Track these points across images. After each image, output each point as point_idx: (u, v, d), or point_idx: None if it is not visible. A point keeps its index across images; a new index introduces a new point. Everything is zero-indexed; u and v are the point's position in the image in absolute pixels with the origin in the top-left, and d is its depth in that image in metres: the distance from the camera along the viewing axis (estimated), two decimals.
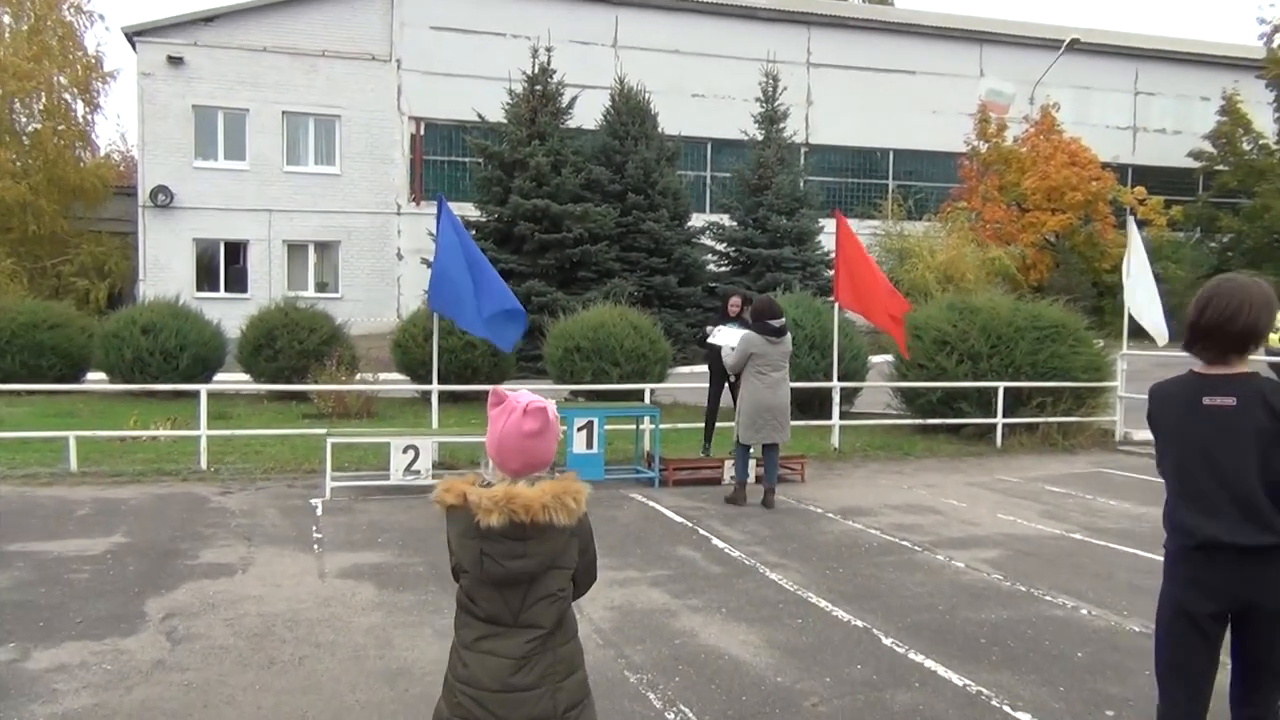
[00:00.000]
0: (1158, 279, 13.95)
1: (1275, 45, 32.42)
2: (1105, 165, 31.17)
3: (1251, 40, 34.14)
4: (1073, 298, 17.18)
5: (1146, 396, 3.30)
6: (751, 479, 9.63)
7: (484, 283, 10.29)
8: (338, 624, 5.78)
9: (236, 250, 28.14)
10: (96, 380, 16.90)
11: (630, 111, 24.73)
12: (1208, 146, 33.88)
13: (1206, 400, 3.06)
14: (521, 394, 2.70)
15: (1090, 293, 28.10)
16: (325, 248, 28.82)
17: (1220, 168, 34.07)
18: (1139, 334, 13.47)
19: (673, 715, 4.55)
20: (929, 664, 5.19)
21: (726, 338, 10.08)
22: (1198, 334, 3.11)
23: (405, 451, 9.60)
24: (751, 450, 9.57)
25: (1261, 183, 32.39)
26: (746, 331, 9.55)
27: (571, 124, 24.08)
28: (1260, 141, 33.14)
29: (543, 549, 2.61)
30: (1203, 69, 36.37)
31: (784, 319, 9.61)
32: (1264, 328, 3.08)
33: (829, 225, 24.87)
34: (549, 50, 23.52)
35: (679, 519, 8.75)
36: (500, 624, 2.64)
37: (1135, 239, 13.14)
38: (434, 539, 7.73)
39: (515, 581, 2.61)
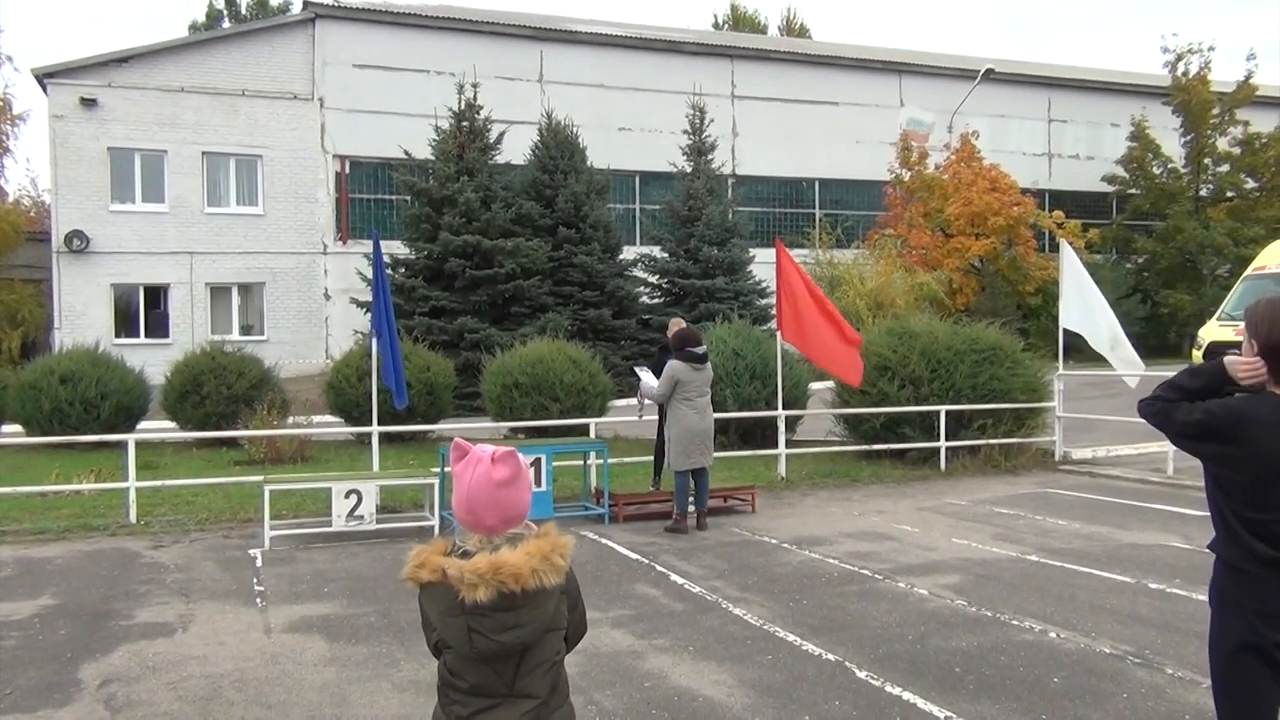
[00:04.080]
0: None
1: (1180, 73, 33.61)
2: (1024, 191, 31.94)
3: (1157, 69, 35.36)
4: (1001, 320, 17.39)
5: (1217, 416, 3.02)
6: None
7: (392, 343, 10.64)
8: (289, 682, 5.49)
9: (157, 295, 27.40)
10: (13, 433, 16.18)
11: (558, 146, 24.66)
12: (1120, 171, 34.95)
13: None
14: (484, 445, 2.52)
15: (1015, 315, 28.62)
16: (249, 290, 28.21)
17: (1132, 191, 35.17)
18: (1088, 356, 13.64)
19: None
20: (908, 696, 5.08)
21: (646, 376, 10.63)
22: None
23: (347, 496, 9.27)
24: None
25: (1172, 205, 33.49)
26: (671, 360, 9.81)
27: (500, 159, 23.93)
28: (1169, 165, 34.27)
29: (535, 615, 2.41)
30: (1112, 96, 37.58)
31: (705, 347, 9.96)
32: None
33: (761, 255, 25.18)
34: (475, 86, 23.37)
35: (634, 555, 8.57)
36: (494, 696, 2.44)
37: (1070, 264, 13.29)
38: (383, 587, 7.44)
39: (508, 654, 2.42)
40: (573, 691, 5.14)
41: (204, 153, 27.43)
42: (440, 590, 2.39)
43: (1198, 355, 19.66)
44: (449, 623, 2.39)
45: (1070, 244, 14.59)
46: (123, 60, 26.89)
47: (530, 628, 2.40)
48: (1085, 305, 13.19)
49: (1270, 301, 3.03)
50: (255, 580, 7.85)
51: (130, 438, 10.85)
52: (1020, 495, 11.39)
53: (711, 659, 5.75)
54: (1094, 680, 5.28)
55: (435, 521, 9.64)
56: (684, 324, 10.69)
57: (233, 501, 11.06)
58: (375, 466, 11.38)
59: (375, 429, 11.23)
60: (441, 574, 2.37)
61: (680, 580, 7.66)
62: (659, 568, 8.10)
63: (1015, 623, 6.35)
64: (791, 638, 6.11)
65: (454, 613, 2.37)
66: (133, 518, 10.06)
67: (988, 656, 5.68)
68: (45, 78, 26.44)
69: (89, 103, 26.33)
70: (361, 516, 9.34)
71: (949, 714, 4.83)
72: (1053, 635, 6.08)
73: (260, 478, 10.22)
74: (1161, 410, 3.14)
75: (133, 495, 10.19)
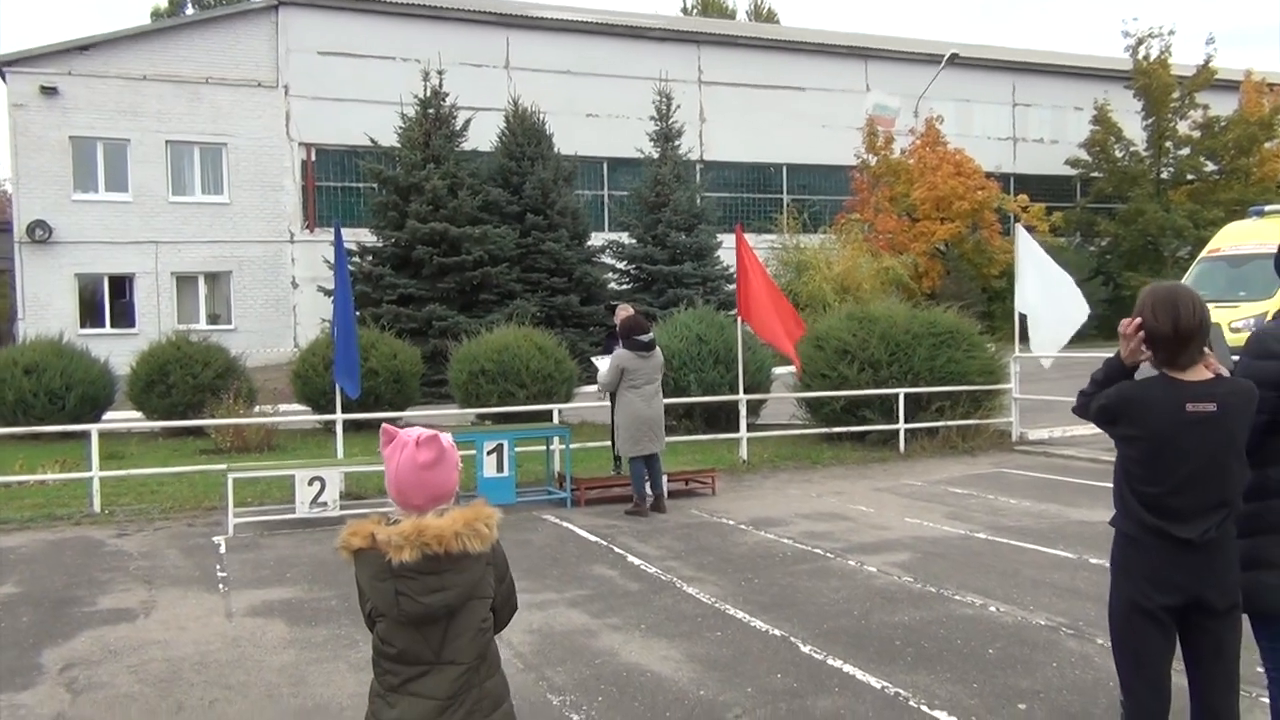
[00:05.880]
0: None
1: (1141, 57, 33.98)
2: (989, 175, 32.27)
3: (1119, 53, 35.73)
4: (964, 304, 17.67)
5: (1110, 400, 3.26)
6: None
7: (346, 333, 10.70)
8: (248, 664, 5.62)
9: (122, 284, 27.25)
10: None
11: (525, 132, 24.72)
12: (1083, 155, 35.33)
13: (1190, 407, 3.12)
14: (412, 429, 2.68)
15: (980, 298, 28.97)
16: (216, 279, 28.10)
17: (1095, 174, 35.57)
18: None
19: None
20: (847, 669, 5.27)
21: (601, 364, 10.78)
22: (1180, 342, 3.13)
23: (311, 483, 9.38)
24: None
25: (1134, 188, 33.91)
26: (617, 349, 9.95)
27: (466, 146, 23.98)
28: (1131, 149, 34.70)
29: (460, 580, 2.56)
30: (1075, 80, 37.98)
31: (652, 334, 10.13)
32: None
33: (728, 240, 25.31)
34: (440, 73, 23.37)
35: (593, 538, 8.73)
36: (422, 663, 2.59)
37: (1025, 246, 13.51)
38: (345, 572, 7.50)
39: (434, 618, 2.56)
40: (524, 668, 5.34)
41: (167, 141, 27.27)
42: (370, 556, 2.55)
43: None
44: (378, 587, 2.55)
45: (1026, 227, 14.83)
46: (83, 48, 26.66)
47: (455, 591, 2.55)
48: (1044, 288, 13.36)
49: (1155, 290, 3.22)
50: (218, 567, 7.95)
51: (93, 428, 10.89)
52: (976, 475, 11.63)
53: (662, 636, 5.92)
54: (1027, 651, 5.49)
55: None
56: (631, 311, 10.82)
57: (197, 490, 11.14)
58: (340, 453, 11.47)
59: (339, 416, 11.32)
60: (371, 539, 2.54)
61: (637, 561, 7.83)
62: (617, 549, 8.27)
63: (957, 598, 6.56)
64: (741, 615, 6.29)
65: (383, 576, 2.53)
66: (97, 507, 10.12)
67: (928, 630, 5.89)
68: (4, 66, 26.19)
69: (49, 91, 26.10)
70: (325, 503, 9.45)
71: (885, 684, 5.03)
72: (992, 609, 6.29)
73: (225, 466, 10.30)
74: (1083, 405, 3.44)
75: (96, 485, 10.24)
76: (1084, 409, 3.43)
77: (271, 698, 5.10)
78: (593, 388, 18.14)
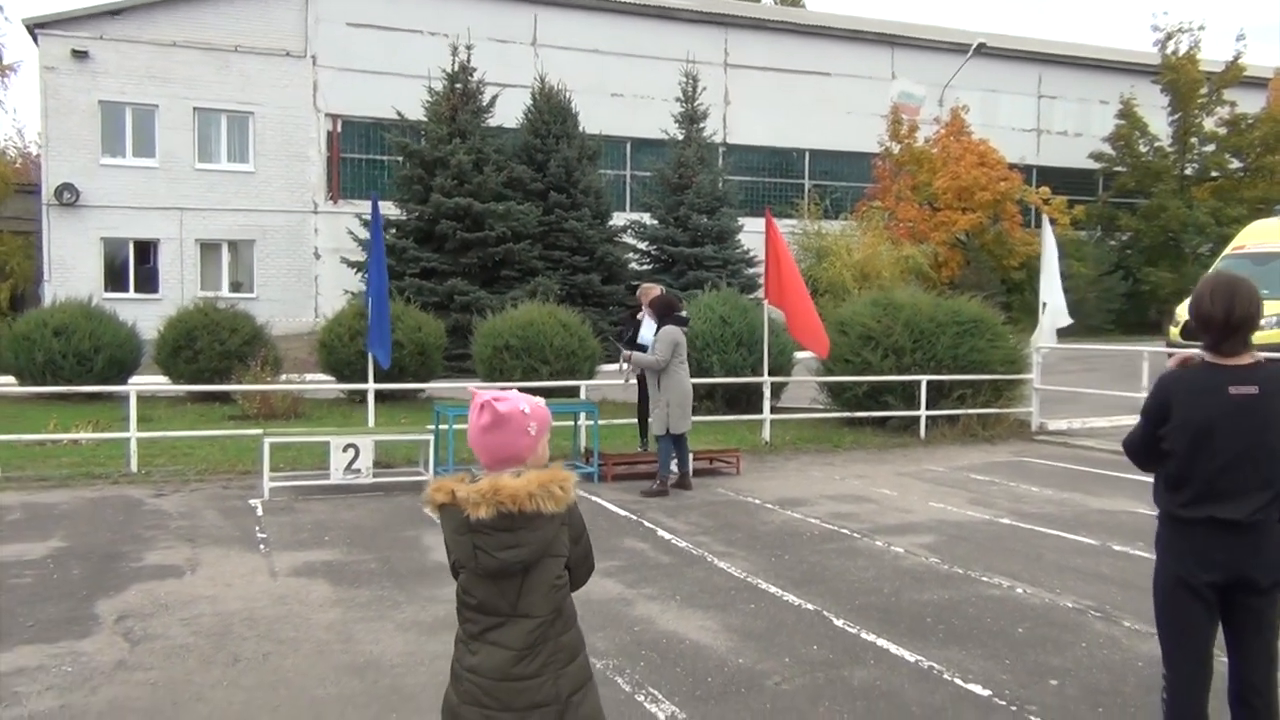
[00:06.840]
0: (1062, 276, 14.73)
1: (1169, 51, 33.77)
2: (1012, 166, 32.12)
3: (1147, 46, 35.55)
4: (983, 294, 17.71)
5: (1155, 398, 3.43)
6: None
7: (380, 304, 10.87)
8: (297, 621, 5.79)
9: (146, 250, 27.41)
10: (5, 383, 16.37)
11: (551, 110, 24.75)
12: (1107, 148, 35.16)
13: (1233, 390, 3.25)
14: (484, 393, 2.78)
15: (999, 289, 28.96)
16: (239, 247, 28.24)
17: (1119, 169, 35.40)
18: (1070, 330, 14.09)
19: (642, 697, 4.68)
20: (881, 643, 5.41)
21: (639, 354, 10.53)
22: (1229, 330, 3.26)
23: (345, 450, 9.55)
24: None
25: (1157, 183, 33.77)
26: (667, 326, 9.95)
27: (492, 122, 24.03)
28: (1155, 144, 34.51)
29: (534, 538, 2.69)
30: (1102, 74, 37.75)
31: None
32: None
33: (749, 224, 25.42)
34: (468, 48, 23.42)
35: (622, 512, 8.89)
36: (499, 614, 2.72)
37: (1050, 240, 13.67)
38: (382, 536, 7.74)
39: (509, 572, 2.69)
40: None
41: (195, 108, 27.35)
42: (452, 511, 2.70)
43: (1174, 332, 20.05)
44: (459, 540, 2.71)
45: (1049, 219, 14.94)
46: (115, 12, 26.73)
47: (529, 548, 2.69)
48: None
49: (1217, 277, 3.34)
50: (257, 528, 8.14)
51: (132, 389, 11.11)
52: (996, 463, 11.75)
53: (697, 607, 6.08)
54: (1055, 631, 5.63)
55: (429, 476, 9.91)
56: (659, 290, 10.92)
57: (229, 454, 11.33)
58: (371, 422, 11.65)
59: (371, 386, 11.49)
60: (451, 495, 2.69)
61: (667, 535, 7.99)
62: (647, 524, 8.42)
63: (984, 579, 6.70)
64: (773, 589, 6.44)
65: (462, 530, 2.68)
66: (134, 467, 10.31)
67: (957, 609, 6.03)
68: (36, 28, 26.30)
69: (80, 55, 26.20)
70: (359, 470, 9.62)
71: (919, 658, 5.17)
72: (1019, 591, 6.43)
73: (259, 431, 10.50)
74: (1128, 441, 3.60)
75: (134, 445, 10.44)
76: (1131, 442, 3.58)
77: (322, 653, 5.27)
78: (613, 366, 18.32)
